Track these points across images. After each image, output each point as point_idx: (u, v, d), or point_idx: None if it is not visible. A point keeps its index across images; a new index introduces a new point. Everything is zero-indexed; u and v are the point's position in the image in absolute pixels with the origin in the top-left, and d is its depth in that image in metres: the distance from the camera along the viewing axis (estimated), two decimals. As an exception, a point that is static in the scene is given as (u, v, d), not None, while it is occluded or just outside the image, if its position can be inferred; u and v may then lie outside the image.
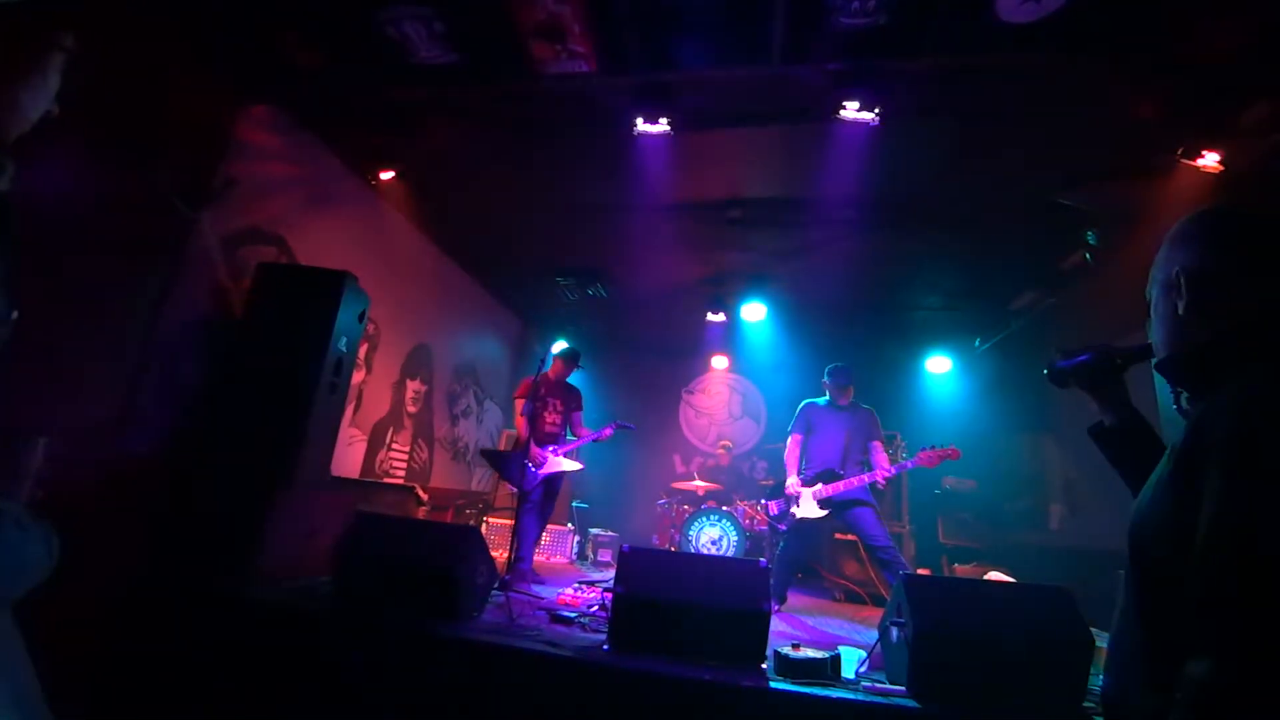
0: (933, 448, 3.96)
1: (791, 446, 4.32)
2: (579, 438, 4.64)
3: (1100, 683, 1.02)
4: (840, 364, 4.36)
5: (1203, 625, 0.75)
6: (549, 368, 4.69)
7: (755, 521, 5.86)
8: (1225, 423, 0.81)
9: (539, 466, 4.34)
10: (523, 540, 4.17)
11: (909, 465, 4.05)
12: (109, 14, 2.53)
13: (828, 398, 4.33)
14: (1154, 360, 1.04)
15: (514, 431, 4.88)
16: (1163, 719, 0.77)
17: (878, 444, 4.17)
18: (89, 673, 2.56)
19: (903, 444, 6.09)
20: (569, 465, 4.54)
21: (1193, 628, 0.76)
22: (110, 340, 2.85)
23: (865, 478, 3.95)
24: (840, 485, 3.98)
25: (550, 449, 4.44)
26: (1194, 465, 0.82)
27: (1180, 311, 0.95)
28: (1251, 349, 0.87)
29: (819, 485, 4.05)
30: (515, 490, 4.27)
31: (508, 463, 4.40)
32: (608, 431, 4.65)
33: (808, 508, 4.06)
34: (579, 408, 4.76)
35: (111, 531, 2.70)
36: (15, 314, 0.95)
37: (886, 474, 3.97)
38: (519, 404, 4.46)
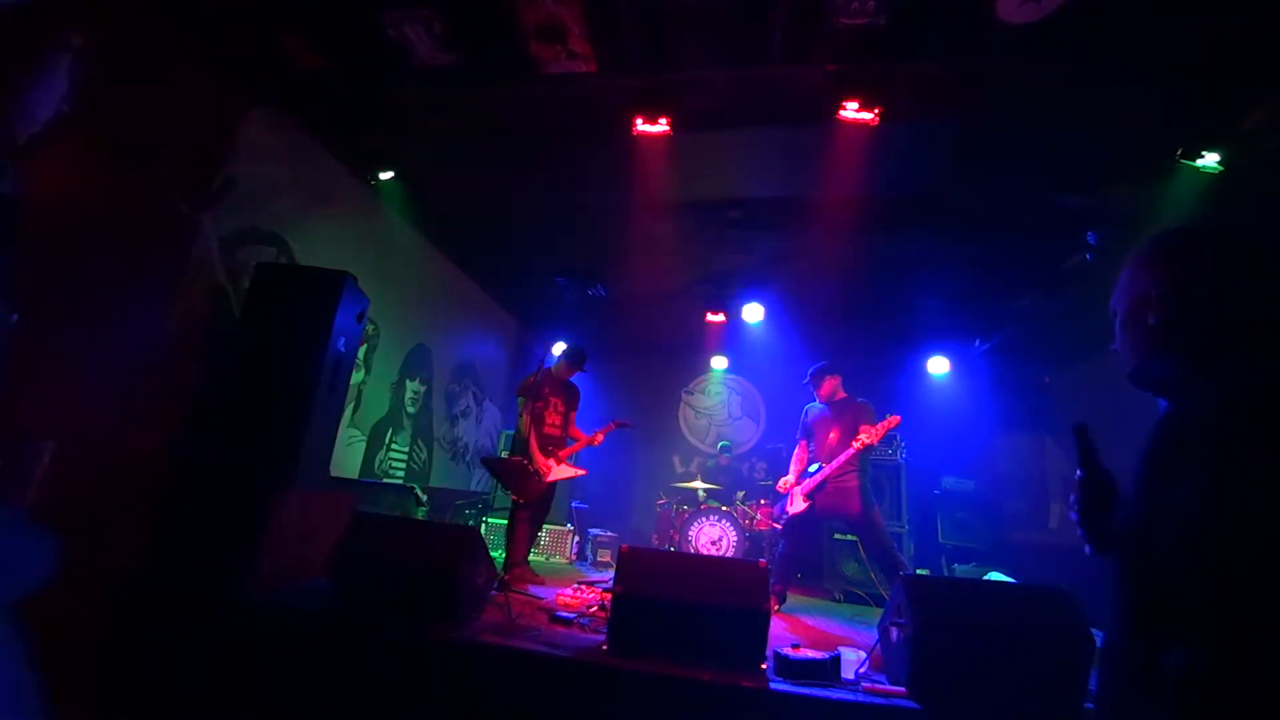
0: (875, 423, 3.91)
1: (797, 453, 4.35)
2: (576, 440, 4.59)
3: None
4: (814, 365, 4.40)
5: (1183, 615, 0.79)
6: (552, 365, 4.63)
7: (755, 522, 5.86)
8: (1199, 422, 0.87)
9: (544, 476, 4.28)
10: (518, 545, 4.14)
11: (859, 443, 3.88)
12: (111, 14, 2.53)
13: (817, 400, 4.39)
14: (1127, 371, 1.08)
15: (512, 432, 4.83)
16: (1150, 711, 0.81)
17: (864, 427, 4.06)
18: (88, 673, 2.56)
19: (902, 444, 6.09)
20: (572, 472, 4.47)
21: (1174, 618, 0.80)
22: (110, 340, 2.85)
23: (842, 458, 3.92)
24: (818, 476, 4.00)
25: (554, 459, 4.37)
26: (1167, 464, 0.88)
27: (1151, 323, 1.01)
28: (1221, 354, 0.92)
29: (805, 480, 4.10)
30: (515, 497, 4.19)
31: (512, 472, 4.23)
32: (599, 438, 4.58)
33: (796, 503, 4.12)
34: (576, 407, 4.72)
35: (110, 532, 2.70)
36: (15, 317, 0.94)
37: (857, 447, 3.88)
38: (523, 403, 4.39)
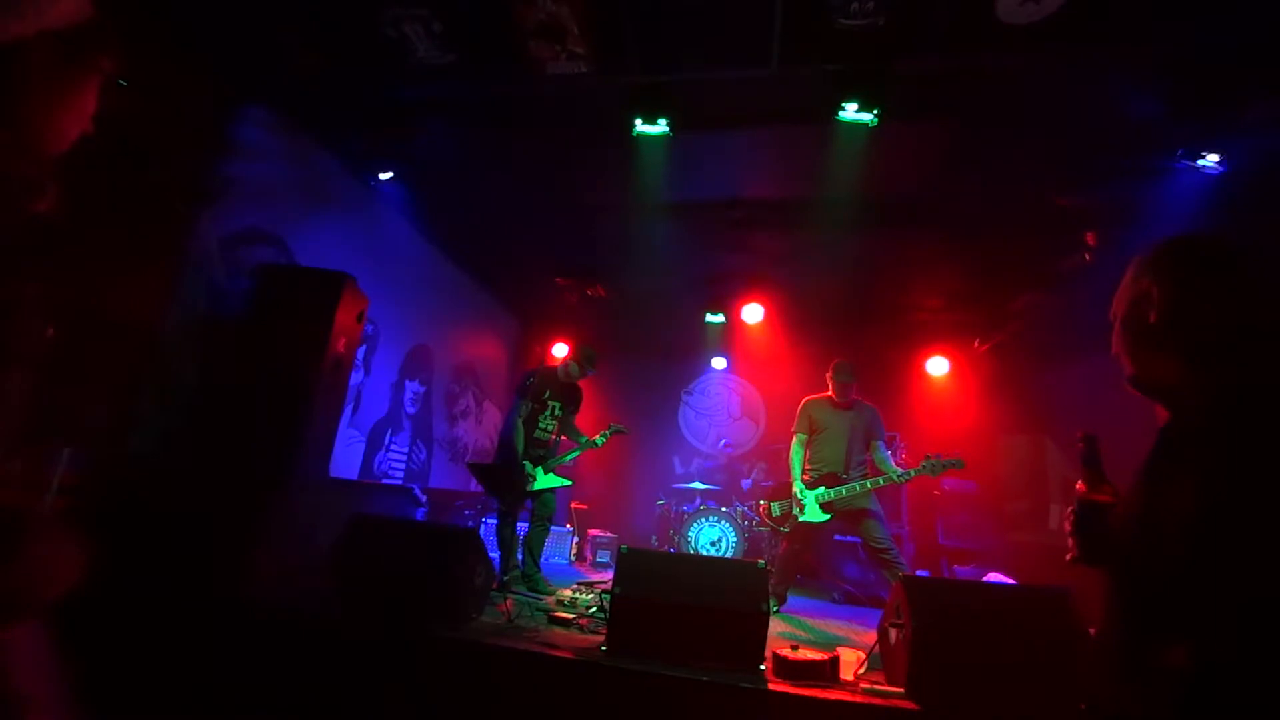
0: (938, 456, 3.83)
1: (795, 447, 4.23)
2: (576, 444, 4.40)
3: None
4: (846, 360, 4.26)
5: (1184, 614, 0.82)
6: (558, 366, 4.43)
7: (754, 523, 5.86)
8: (1194, 427, 0.91)
9: (528, 485, 4.13)
10: (510, 552, 4.07)
11: (912, 475, 3.90)
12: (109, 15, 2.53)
13: (829, 395, 4.24)
14: (1126, 376, 1.11)
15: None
16: (1143, 707, 0.83)
17: (879, 443, 4.11)
18: (85, 675, 2.55)
19: (902, 444, 6.09)
20: (558, 483, 4.27)
21: (1174, 617, 0.83)
22: (110, 342, 2.85)
23: (882, 486, 3.92)
24: (846, 494, 3.94)
25: (542, 466, 4.19)
26: (1165, 467, 0.92)
27: (1151, 321, 1.03)
28: (1216, 358, 0.95)
29: (822, 489, 4.00)
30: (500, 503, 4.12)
31: (496, 478, 4.12)
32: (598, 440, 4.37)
33: (811, 512, 4.00)
34: (577, 411, 4.51)
35: (109, 533, 2.70)
36: (51, 331, 0.97)
37: (892, 481, 3.91)
38: (518, 404, 4.19)
